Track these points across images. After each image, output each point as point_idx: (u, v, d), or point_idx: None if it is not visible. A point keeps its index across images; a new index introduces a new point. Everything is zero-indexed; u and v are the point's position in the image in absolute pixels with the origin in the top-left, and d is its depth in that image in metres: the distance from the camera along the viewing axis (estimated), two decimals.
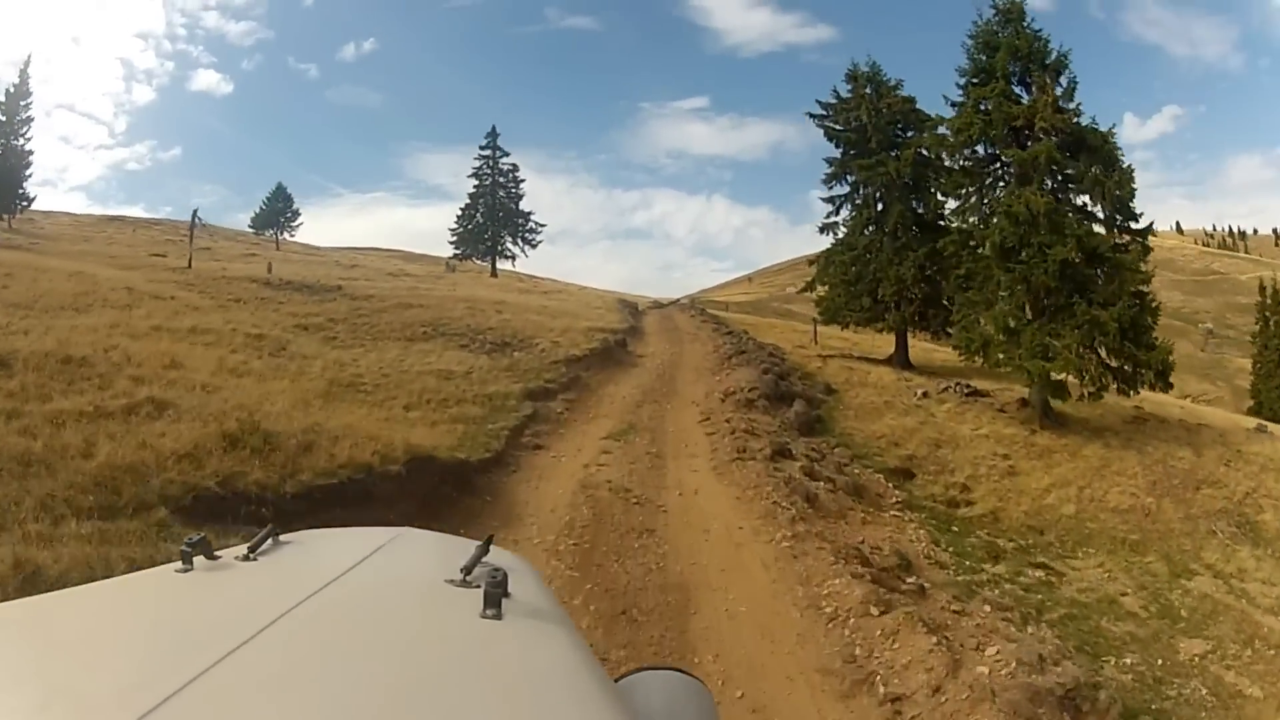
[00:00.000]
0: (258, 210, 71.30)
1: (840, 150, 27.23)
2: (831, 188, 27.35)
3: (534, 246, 53.38)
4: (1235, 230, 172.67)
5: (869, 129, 26.39)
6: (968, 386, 21.21)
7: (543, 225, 53.92)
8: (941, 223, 26.03)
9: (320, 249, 74.47)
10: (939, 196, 25.79)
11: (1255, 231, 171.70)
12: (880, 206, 25.93)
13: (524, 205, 53.86)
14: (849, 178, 27.06)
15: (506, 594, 1.09)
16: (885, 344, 34.91)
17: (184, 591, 1.10)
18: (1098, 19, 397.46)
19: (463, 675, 0.90)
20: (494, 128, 54.70)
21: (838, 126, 26.87)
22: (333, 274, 36.58)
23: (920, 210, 25.90)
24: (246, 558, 1.23)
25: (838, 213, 27.39)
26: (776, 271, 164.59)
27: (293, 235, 70.62)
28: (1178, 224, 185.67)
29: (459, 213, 53.11)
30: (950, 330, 25.72)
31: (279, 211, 70.54)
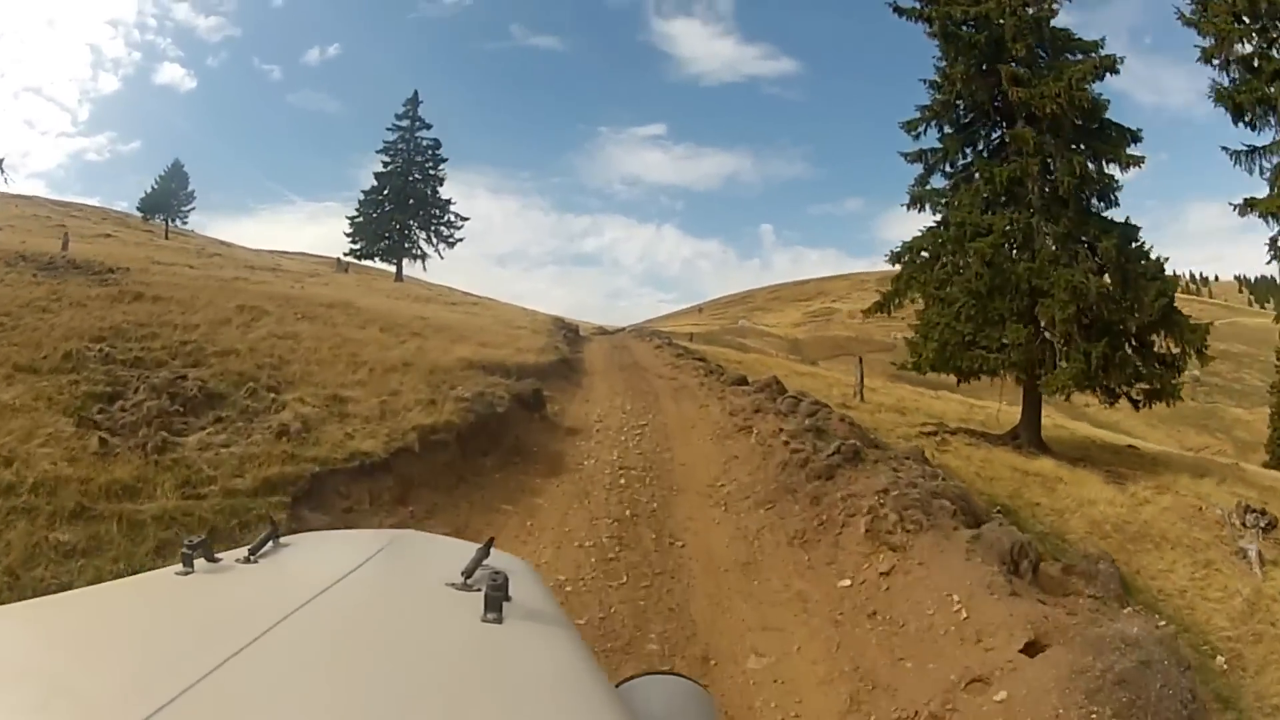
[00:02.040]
0: (148, 191, 55.37)
1: (945, 61, 14.79)
2: (919, 132, 14.92)
3: (451, 245, 39.75)
4: (1198, 276, 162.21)
5: (1005, 30, 13.99)
6: (1260, 514, 9.05)
7: (464, 219, 40.48)
8: (1097, 202, 14.08)
9: (229, 245, 60.35)
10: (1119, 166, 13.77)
11: (1216, 278, 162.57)
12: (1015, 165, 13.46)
13: (444, 193, 40.17)
14: (946, 122, 14.76)
15: (507, 597, 1.02)
16: (948, 401, 22.45)
17: (185, 594, 1.03)
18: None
19: (463, 679, 0.86)
20: (416, 93, 41.31)
21: (954, 18, 14.29)
22: (161, 259, 23.48)
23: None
24: (247, 560, 1.15)
25: (929, 176, 14.97)
26: (728, 303, 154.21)
27: (184, 221, 54.86)
28: None
29: (360, 197, 39.24)
30: (1136, 390, 13.48)
31: (171, 193, 54.76)
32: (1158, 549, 7.67)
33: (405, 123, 40.49)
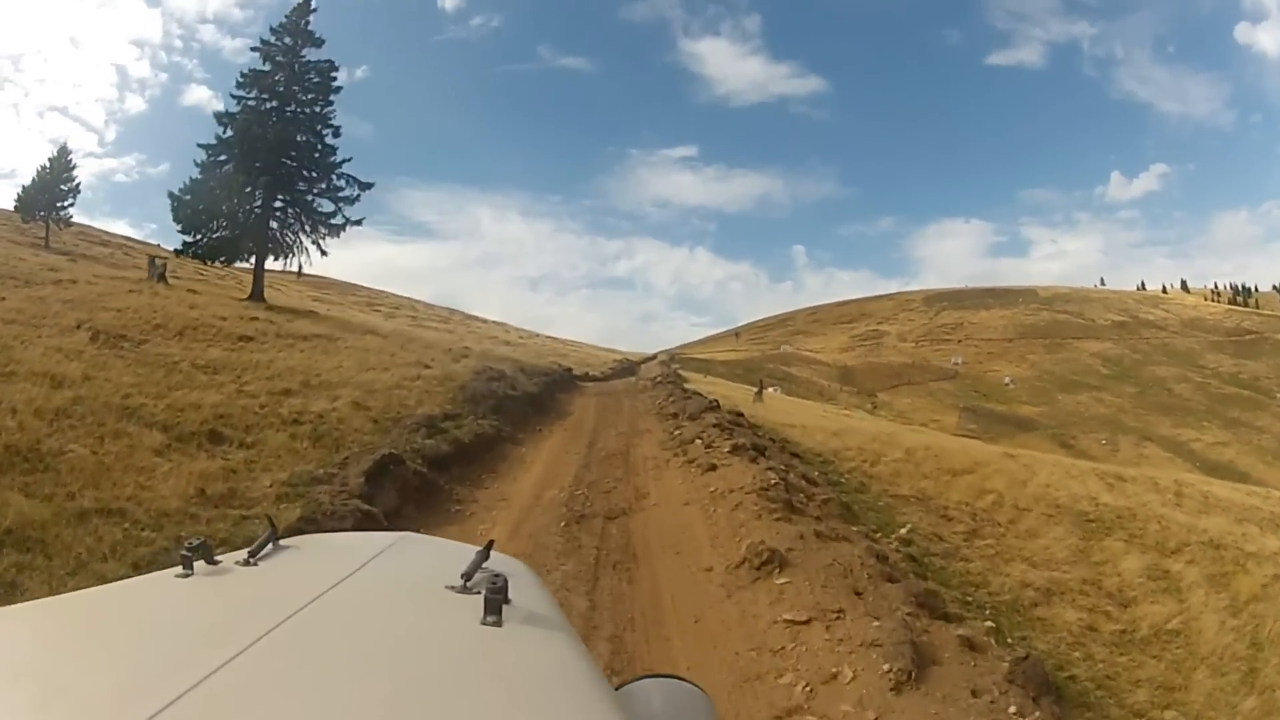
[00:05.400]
0: (26, 184, 38.18)
1: None
2: None
3: (337, 233, 21.92)
4: (1240, 287, 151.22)
5: None
6: None
7: (365, 185, 22.52)
8: None
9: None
10: None
11: (1256, 288, 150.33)
12: None
13: (348, 148, 22.51)
14: None
15: (507, 600, 0.97)
16: None
17: (184, 596, 1.00)
18: (1090, 77, 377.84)
19: (462, 682, 0.82)
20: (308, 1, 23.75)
21: None
22: None
23: None
24: (247, 562, 1.09)
25: None
26: (765, 326, 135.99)
27: (68, 221, 37.85)
28: (1184, 282, 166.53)
29: (204, 155, 21.64)
30: None
31: (48, 188, 37.44)
32: None
33: (284, 41, 23.12)
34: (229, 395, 9.30)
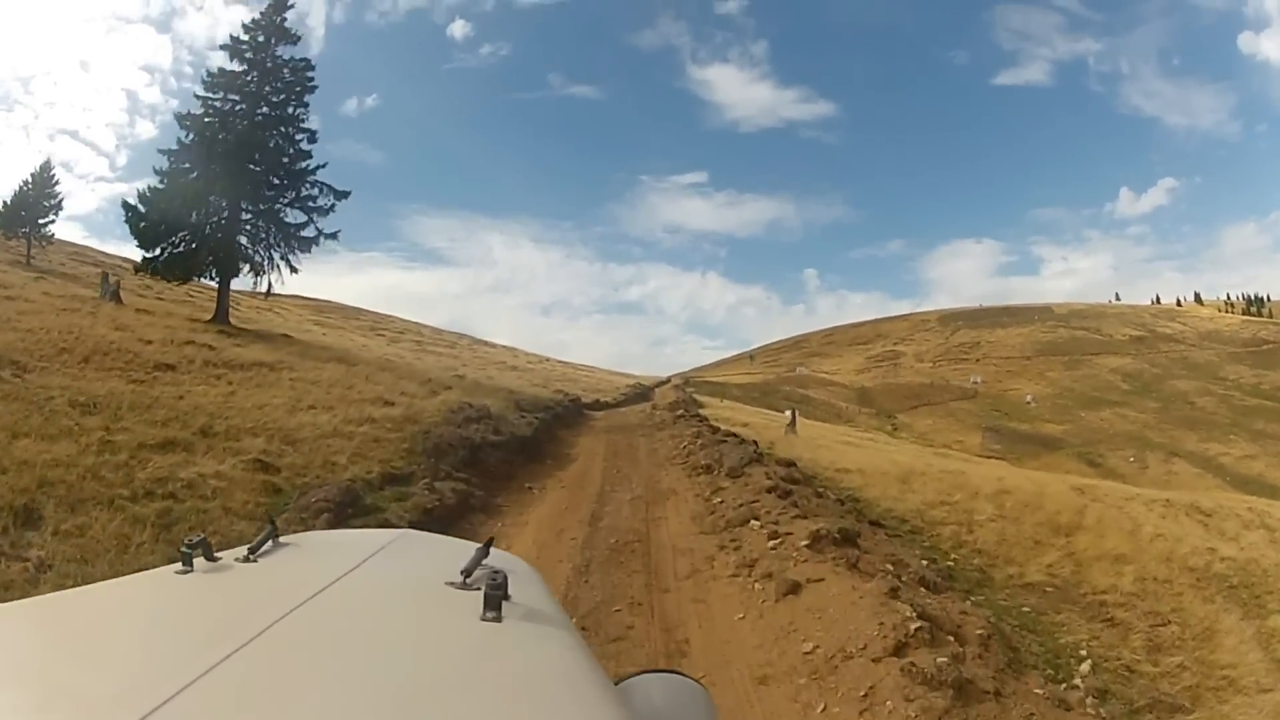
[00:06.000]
0: (8, 201, 35.38)
1: None
2: None
3: (309, 247, 19.11)
4: (1253, 297, 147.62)
5: None
6: None
7: (342, 194, 19.69)
8: None
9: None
10: None
11: (1269, 297, 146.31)
12: None
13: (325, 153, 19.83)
14: None
15: (506, 596, 0.95)
16: None
17: (184, 593, 0.98)
18: (1097, 93, 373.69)
19: (462, 678, 0.81)
20: None
21: None
22: None
23: None
24: (247, 559, 1.07)
25: None
26: (780, 349, 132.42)
27: (50, 238, 35.09)
28: (1197, 295, 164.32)
29: (167, 160, 18.95)
30: None
31: (29, 203, 34.61)
32: None
33: (257, 40, 20.51)
34: (81, 448, 6.37)
